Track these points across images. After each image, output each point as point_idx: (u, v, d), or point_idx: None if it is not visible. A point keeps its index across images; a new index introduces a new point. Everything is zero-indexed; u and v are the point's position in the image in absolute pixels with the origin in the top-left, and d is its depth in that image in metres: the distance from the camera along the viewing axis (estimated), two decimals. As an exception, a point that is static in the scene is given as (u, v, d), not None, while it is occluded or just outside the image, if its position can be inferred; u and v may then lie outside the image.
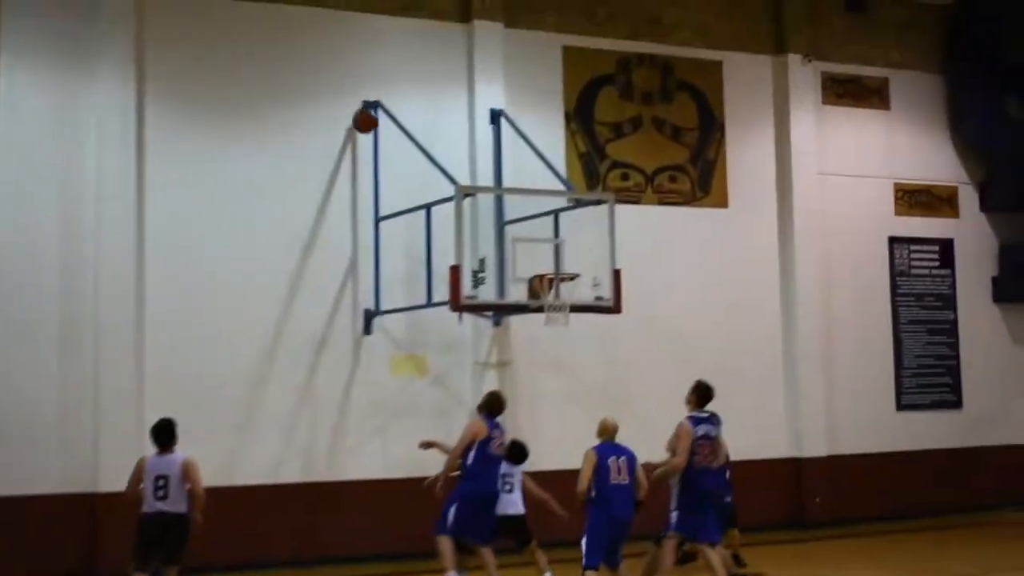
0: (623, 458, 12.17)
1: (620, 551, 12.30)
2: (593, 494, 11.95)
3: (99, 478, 15.11)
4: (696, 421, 12.52)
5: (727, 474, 13.91)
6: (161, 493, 11.63)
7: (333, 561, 16.06)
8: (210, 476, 14.88)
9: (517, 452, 13.74)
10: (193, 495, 11.75)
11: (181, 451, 11.91)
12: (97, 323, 15.41)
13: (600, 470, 12.05)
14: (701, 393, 12.76)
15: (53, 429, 15.21)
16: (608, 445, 12.28)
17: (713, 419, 12.66)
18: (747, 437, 16.44)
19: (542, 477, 16.08)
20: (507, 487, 13.37)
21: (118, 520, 14.38)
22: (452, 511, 12.84)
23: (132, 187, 15.70)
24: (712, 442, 12.54)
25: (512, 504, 13.47)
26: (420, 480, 13.49)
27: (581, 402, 17.34)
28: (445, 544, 12.80)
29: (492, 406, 13.50)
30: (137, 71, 15.89)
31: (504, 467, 13.37)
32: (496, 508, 13.14)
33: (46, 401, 15.23)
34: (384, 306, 16.72)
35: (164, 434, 11.99)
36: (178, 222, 16.00)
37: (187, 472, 11.76)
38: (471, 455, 12.98)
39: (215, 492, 14.93)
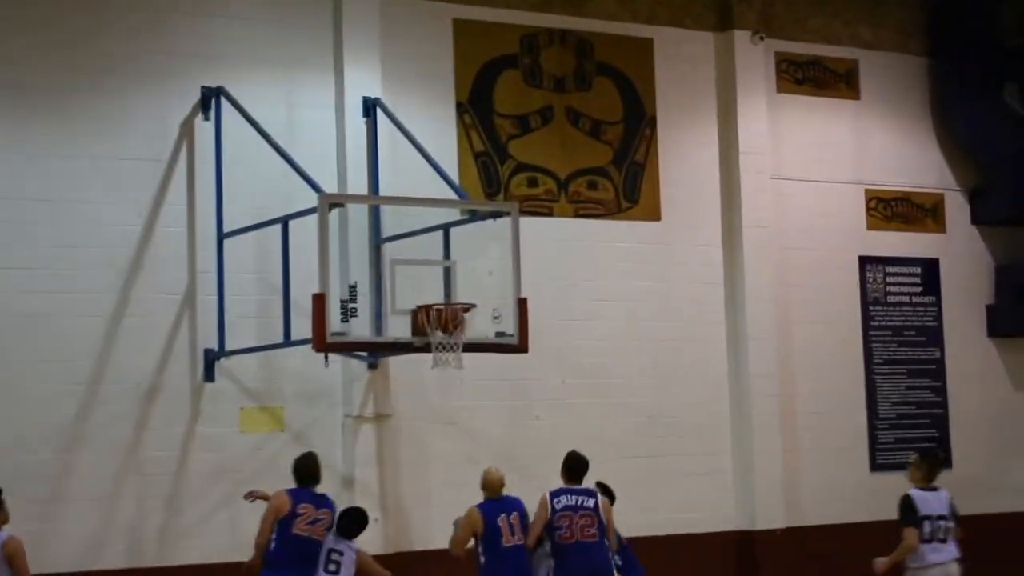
0: (514, 515, 12.77)
1: None
2: (482, 560, 12.39)
3: None
4: (558, 493, 13.21)
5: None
6: None
7: None
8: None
9: (346, 523, 13.69)
10: None
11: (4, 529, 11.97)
12: None
13: (488, 533, 12.56)
14: (568, 466, 13.62)
15: None
16: (494, 502, 12.82)
17: (587, 492, 13.33)
18: (687, 506, 16.70)
19: (430, 558, 16.31)
20: (331, 568, 13.31)
21: None
22: None
23: None
24: (585, 514, 13.00)
25: None
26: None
27: (480, 463, 16.69)
28: None
29: (299, 472, 13.83)
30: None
31: (331, 542, 13.43)
32: None
33: None
34: (230, 346, 16.47)
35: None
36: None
37: (10, 557, 11.86)
38: (272, 538, 13.20)
39: None
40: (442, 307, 15.04)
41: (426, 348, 14.93)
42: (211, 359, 16.67)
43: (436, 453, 17.79)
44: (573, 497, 13.06)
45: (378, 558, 15.96)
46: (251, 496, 14.10)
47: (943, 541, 13.89)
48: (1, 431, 15.51)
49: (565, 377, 18.63)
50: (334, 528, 13.47)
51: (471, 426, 18.12)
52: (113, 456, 16.18)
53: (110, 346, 16.33)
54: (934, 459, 13.96)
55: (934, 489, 14.11)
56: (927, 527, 13.85)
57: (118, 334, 16.36)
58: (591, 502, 13.09)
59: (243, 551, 15.62)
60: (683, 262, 19.95)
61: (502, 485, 12.99)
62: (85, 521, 15.90)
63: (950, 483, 20.63)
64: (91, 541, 15.86)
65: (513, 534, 12.63)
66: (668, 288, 19.73)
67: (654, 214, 19.85)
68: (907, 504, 13.98)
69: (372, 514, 16.67)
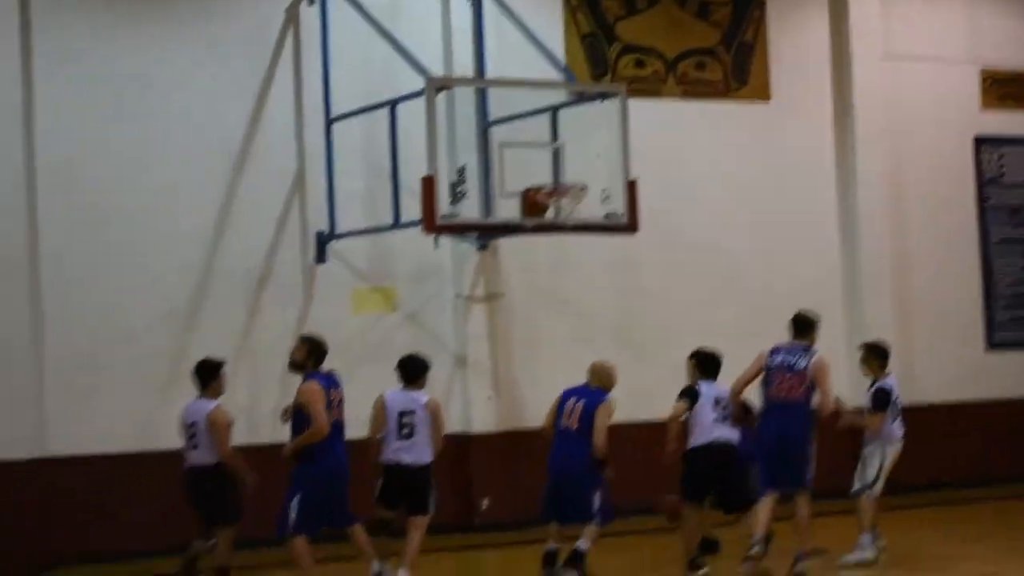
0: (581, 402, 12.36)
1: (572, 506, 12.55)
2: None
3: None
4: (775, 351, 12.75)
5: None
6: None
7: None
8: (128, 441, 15.06)
9: (411, 368, 12.48)
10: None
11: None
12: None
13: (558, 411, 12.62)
14: (700, 362, 12.94)
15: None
16: (576, 389, 12.67)
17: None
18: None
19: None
20: (404, 432, 11.99)
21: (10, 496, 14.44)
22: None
23: (17, 87, 14.83)
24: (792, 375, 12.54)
25: (411, 450, 12.11)
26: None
27: (590, 343, 16.71)
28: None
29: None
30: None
31: (399, 404, 12.09)
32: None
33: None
34: (341, 228, 15.99)
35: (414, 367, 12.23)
36: (74, 136, 15.20)
37: (210, 425, 12.07)
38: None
39: (132, 459, 15.10)
40: (552, 189, 14.43)
41: (537, 229, 14.57)
42: (322, 241, 16.19)
43: (545, 332, 17.28)
44: (786, 356, 12.44)
45: (490, 435, 16.46)
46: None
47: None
48: (123, 316, 15.30)
49: (675, 258, 17.97)
50: (400, 383, 12.33)
51: (580, 306, 17.53)
52: (229, 339, 15.71)
53: (222, 232, 16.00)
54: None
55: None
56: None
57: (230, 219, 16.04)
58: (802, 363, 12.39)
59: (360, 428, 15.04)
60: (793, 143, 19.15)
61: (601, 375, 12.58)
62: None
63: None
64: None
65: (569, 418, 12.25)
66: (778, 169, 18.93)
67: (763, 95, 19.08)
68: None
69: (485, 392, 16.85)
